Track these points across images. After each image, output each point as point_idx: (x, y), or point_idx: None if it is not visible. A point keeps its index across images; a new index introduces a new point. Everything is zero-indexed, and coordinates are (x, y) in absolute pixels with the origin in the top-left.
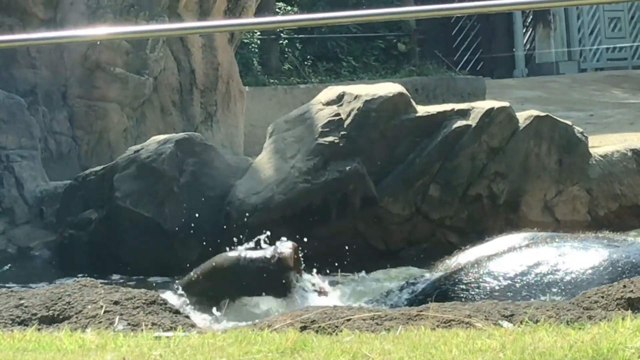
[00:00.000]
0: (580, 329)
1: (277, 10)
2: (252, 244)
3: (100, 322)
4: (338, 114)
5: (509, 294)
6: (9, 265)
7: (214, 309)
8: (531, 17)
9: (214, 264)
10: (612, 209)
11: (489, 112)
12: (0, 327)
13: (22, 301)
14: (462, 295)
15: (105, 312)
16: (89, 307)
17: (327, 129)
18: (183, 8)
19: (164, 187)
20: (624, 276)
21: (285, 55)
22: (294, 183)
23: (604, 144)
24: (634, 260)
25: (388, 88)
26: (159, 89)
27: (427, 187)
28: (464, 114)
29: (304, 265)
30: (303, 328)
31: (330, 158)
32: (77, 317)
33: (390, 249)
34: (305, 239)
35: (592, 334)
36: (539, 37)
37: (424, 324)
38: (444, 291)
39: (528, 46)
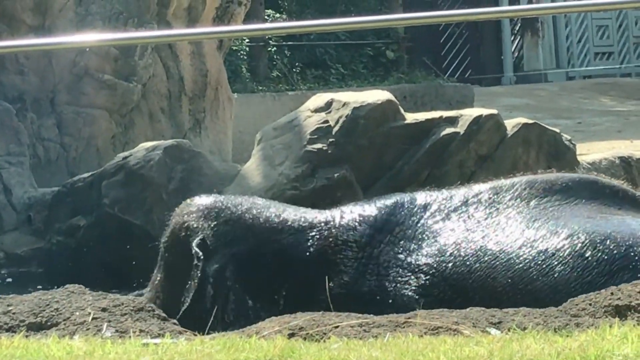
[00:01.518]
0: (568, 336)
1: (265, 17)
2: None
3: (88, 329)
4: (326, 121)
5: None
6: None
7: None
8: (519, 25)
9: None
10: None
11: (477, 120)
12: None
13: (10, 308)
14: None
15: (93, 318)
16: (77, 313)
17: (316, 136)
18: (172, 15)
19: (153, 194)
20: None
21: (274, 62)
22: (282, 190)
23: (592, 152)
24: None
25: (376, 95)
26: (148, 95)
27: None
28: (452, 121)
29: None
30: (291, 335)
31: (318, 165)
32: (65, 324)
33: None
34: None
35: (580, 341)
36: (527, 45)
37: (411, 331)
38: None
39: (516, 54)
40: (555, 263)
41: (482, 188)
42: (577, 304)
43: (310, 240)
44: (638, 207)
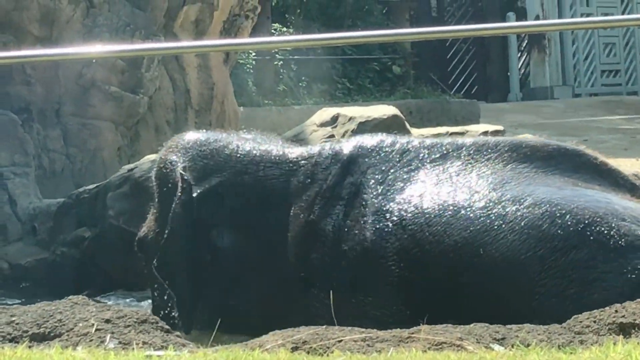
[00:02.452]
0: (571, 353)
1: (272, 31)
2: None
3: (91, 341)
4: (332, 136)
5: None
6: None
7: None
8: (526, 41)
9: None
10: None
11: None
12: None
13: (13, 318)
14: None
15: (96, 330)
16: (80, 325)
17: None
18: (179, 27)
19: None
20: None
21: (280, 76)
22: None
23: None
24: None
25: (382, 110)
26: (154, 108)
27: None
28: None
29: None
30: (294, 349)
31: None
32: (68, 335)
33: None
34: None
35: (584, 358)
36: (534, 62)
37: (415, 346)
38: None
39: (523, 70)
40: (510, 231)
41: (466, 142)
42: (581, 321)
43: (284, 176)
44: (619, 188)
